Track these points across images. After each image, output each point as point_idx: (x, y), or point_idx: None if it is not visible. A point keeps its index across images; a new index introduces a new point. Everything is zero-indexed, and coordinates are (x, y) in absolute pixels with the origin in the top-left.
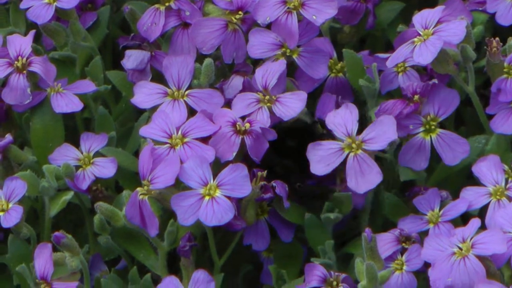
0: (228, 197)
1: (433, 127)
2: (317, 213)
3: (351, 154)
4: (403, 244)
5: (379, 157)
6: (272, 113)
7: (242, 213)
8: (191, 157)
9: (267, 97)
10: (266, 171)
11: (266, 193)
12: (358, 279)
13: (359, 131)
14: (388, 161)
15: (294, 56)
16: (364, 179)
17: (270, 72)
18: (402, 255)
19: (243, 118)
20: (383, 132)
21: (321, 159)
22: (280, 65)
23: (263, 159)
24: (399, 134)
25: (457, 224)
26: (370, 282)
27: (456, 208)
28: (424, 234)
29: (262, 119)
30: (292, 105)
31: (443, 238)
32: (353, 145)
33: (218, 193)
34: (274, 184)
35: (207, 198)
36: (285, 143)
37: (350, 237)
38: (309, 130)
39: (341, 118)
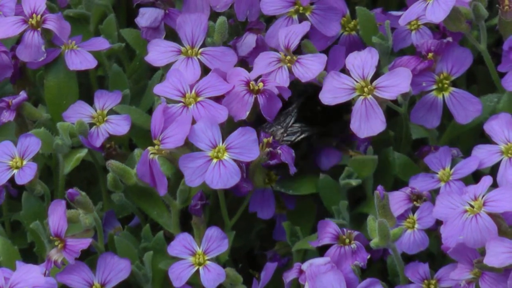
0: (236, 161)
1: (446, 85)
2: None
3: (361, 97)
4: (415, 202)
5: (393, 111)
6: (291, 73)
7: (250, 176)
8: (202, 119)
9: (288, 57)
10: (272, 137)
11: (272, 159)
12: (371, 236)
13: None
14: (403, 116)
15: (307, 14)
16: (368, 124)
17: (293, 33)
18: (413, 213)
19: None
20: (397, 83)
21: (332, 89)
22: (303, 27)
23: None
24: (413, 91)
25: (468, 182)
26: (382, 240)
27: (468, 166)
28: (435, 192)
29: (282, 78)
30: (311, 67)
31: (454, 196)
32: (365, 89)
33: (226, 156)
34: (279, 151)
35: (215, 160)
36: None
37: (360, 196)
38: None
39: (360, 61)
